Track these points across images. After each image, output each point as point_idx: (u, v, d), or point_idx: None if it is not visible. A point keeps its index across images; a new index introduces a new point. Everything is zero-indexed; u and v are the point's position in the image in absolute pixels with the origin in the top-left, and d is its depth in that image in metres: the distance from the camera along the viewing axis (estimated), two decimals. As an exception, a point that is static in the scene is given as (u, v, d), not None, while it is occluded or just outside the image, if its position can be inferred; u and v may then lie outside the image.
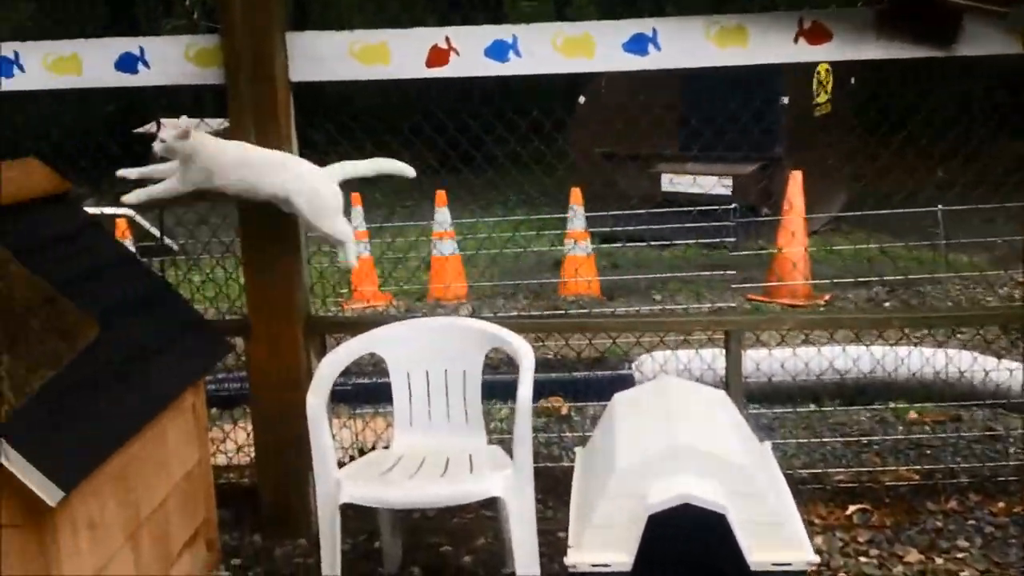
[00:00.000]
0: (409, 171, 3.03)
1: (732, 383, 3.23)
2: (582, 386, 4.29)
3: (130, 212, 8.96)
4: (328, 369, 2.85)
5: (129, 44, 3.14)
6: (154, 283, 3.14)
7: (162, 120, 2.85)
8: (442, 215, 7.10)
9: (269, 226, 3.14)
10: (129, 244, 7.14)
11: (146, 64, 3.14)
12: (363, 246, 7.04)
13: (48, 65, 3.17)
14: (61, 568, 2.15)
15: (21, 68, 3.18)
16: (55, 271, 2.54)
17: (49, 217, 2.79)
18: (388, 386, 3.05)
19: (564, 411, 4.41)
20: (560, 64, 2.98)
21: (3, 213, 2.64)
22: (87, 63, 3.15)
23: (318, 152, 3.42)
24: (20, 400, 2.15)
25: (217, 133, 3.18)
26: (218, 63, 3.10)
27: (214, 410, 4.16)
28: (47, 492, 2.04)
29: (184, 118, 2.92)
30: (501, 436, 3.53)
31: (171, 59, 3.13)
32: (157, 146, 2.87)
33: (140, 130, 9.87)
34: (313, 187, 2.94)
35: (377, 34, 3.08)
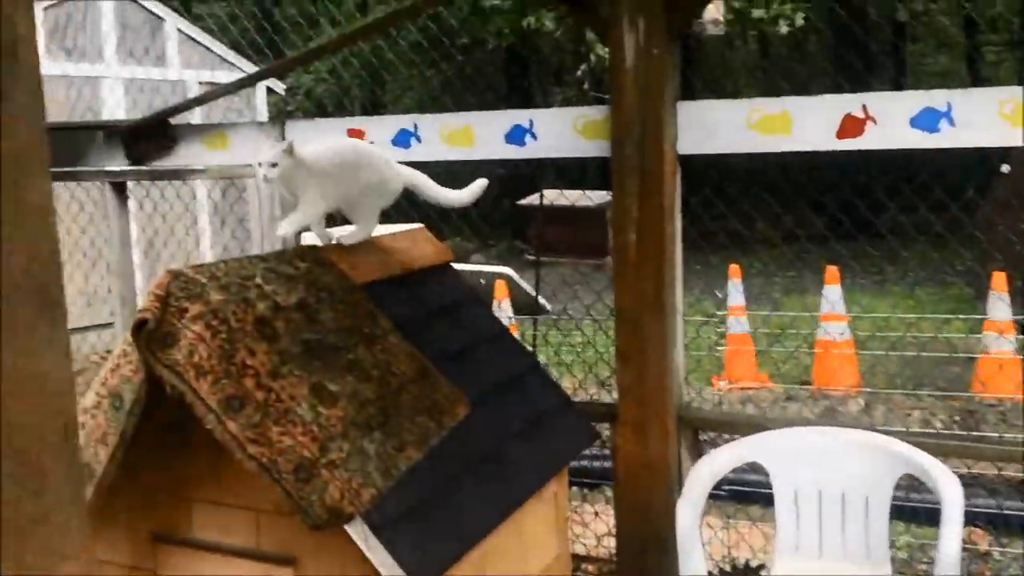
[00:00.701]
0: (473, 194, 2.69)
1: None
2: (1012, 520, 3.57)
3: (508, 271, 9.32)
4: (704, 476, 2.55)
5: (519, 116, 3.11)
6: (524, 361, 3.04)
7: (261, 146, 2.44)
8: (833, 294, 6.42)
9: (647, 306, 2.93)
10: (507, 305, 7.36)
11: (534, 136, 3.08)
12: (740, 321, 6.62)
13: (443, 137, 3.23)
14: (409, 666, 2.02)
15: (419, 139, 3.26)
16: (431, 345, 2.50)
17: (431, 288, 2.78)
18: (764, 487, 2.68)
19: (983, 548, 3.70)
20: (1006, 135, 2.47)
21: (389, 283, 2.65)
22: (478, 135, 3.16)
23: (693, 218, 3.17)
24: (387, 483, 2.08)
25: (599, 206, 3.04)
26: (605, 135, 2.96)
27: (573, 489, 3.99)
28: (403, 588, 1.93)
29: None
30: (902, 574, 2.99)
31: (559, 131, 3.06)
32: (271, 174, 2.37)
33: (524, 203, 10.31)
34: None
35: (779, 102, 2.78)
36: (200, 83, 9.60)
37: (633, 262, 2.94)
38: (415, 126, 3.25)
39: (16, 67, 0.77)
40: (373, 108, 16.80)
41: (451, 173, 2.89)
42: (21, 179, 0.79)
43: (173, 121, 3.58)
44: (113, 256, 3.33)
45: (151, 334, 1.91)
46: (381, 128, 3.30)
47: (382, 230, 2.78)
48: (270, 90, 11.15)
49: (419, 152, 3.24)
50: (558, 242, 7.72)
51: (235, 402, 1.93)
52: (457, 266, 3.03)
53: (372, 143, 3.21)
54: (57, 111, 8.35)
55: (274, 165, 2.36)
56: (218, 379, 1.93)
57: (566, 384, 3.43)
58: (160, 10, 9.68)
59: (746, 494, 3.85)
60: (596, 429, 2.99)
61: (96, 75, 8.96)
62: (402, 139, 3.27)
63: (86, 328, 8.37)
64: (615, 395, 3.07)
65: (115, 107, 9.05)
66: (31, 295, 0.80)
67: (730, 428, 2.94)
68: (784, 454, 2.58)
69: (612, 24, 2.87)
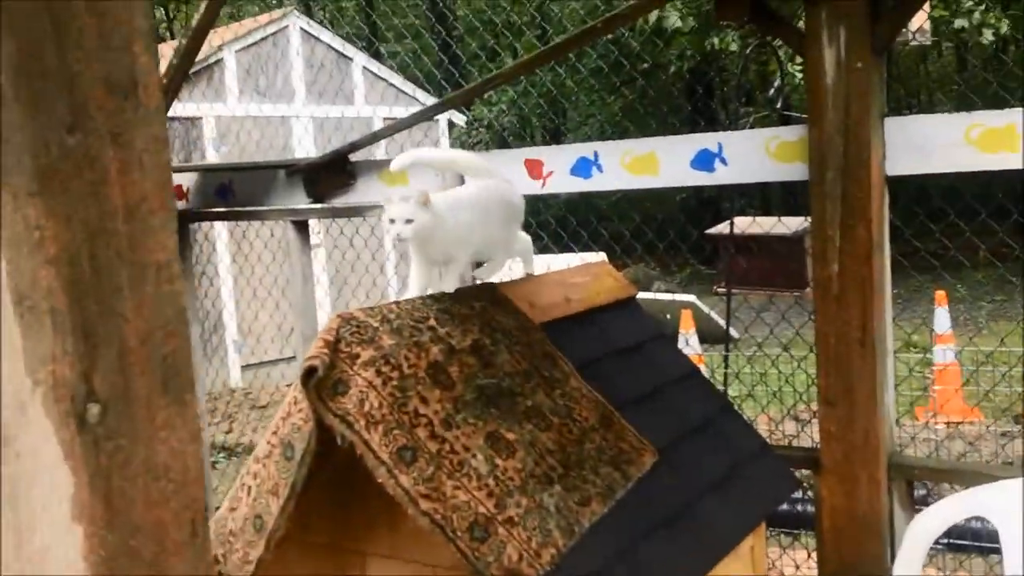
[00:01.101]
0: None
1: None
2: None
3: (693, 299, 8.99)
4: (922, 534, 2.26)
5: (707, 140, 2.90)
6: (716, 402, 2.82)
7: (390, 199, 2.10)
8: None
9: (853, 343, 2.65)
10: (694, 339, 7.05)
11: (723, 161, 2.87)
12: (949, 351, 6.10)
13: (625, 165, 3.06)
14: None
15: (599, 168, 3.10)
16: (615, 388, 2.33)
17: (614, 326, 2.61)
18: (986, 538, 2.34)
19: None
20: None
21: (569, 322, 2.50)
22: (663, 162, 2.98)
23: (900, 245, 2.85)
24: (568, 541, 1.92)
25: (796, 234, 2.79)
26: (802, 157, 2.72)
27: (769, 538, 3.70)
28: (585, 664, 1.76)
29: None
30: None
31: (750, 155, 2.83)
32: (405, 232, 2.07)
33: (712, 231, 9.93)
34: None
35: (1005, 115, 2.46)
36: (384, 119, 9.86)
37: (836, 296, 2.67)
38: (595, 154, 3.10)
39: (134, 108, 0.67)
40: (553, 137, 16.84)
41: (630, 200, 2.73)
42: (140, 236, 0.69)
43: (352, 157, 3.58)
44: (295, 294, 3.34)
45: (321, 381, 1.83)
46: (560, 157, 3.17)
47: (561, 263, 2.64)
48: (452, 124, 11.33)
49: (601, 181, 3.08)
50: (751, 273, 7.38)
51: (407, 454, 1.83)
52: (640, 295, 2.85)
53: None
54: (242, 151, 8.81)
55: (409, 221, 2.06)
56: (390, 429, 1.83)
57: (761, 425, 3.16)
58: (347, 49, 10.04)
59: (965, 546, 3.45)
60: (796, 476, 2.73)
61: (286, 115, 9.36)
62: (583, 168, 3.12)
63: (274, 361, 8.75)
64: (814, 434, 2.80)
65: (300, 144, 9.44)
66: (152, 369, 0.69)
67: (949, 477, 2.61)
68: (1016, 510, 2.25)
69: (809, 37, 2.63)
